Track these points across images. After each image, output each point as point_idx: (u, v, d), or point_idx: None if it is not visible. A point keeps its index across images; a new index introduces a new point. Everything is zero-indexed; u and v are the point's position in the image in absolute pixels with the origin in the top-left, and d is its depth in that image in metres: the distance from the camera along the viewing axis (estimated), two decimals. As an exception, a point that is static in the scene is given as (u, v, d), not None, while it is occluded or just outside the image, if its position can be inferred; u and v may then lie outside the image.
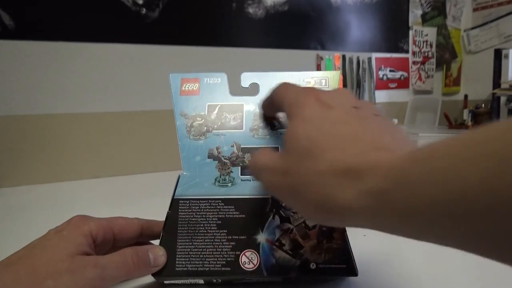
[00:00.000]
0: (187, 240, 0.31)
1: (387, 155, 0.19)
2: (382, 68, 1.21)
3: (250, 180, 0.34)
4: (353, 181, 0.19)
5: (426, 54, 1.29)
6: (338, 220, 0.21)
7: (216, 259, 0.30)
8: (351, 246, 0.31)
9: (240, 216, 0.32)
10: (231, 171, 0.34)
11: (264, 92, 0.36)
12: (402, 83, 1.26)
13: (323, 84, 0.36)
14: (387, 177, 0.18)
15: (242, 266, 0.30)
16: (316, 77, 0.37)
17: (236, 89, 0.37)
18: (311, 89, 0.26)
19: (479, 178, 0.14)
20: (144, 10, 0.85)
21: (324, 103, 0.24)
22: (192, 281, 0.31)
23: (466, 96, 1.28)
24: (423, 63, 1.29)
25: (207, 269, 0.30)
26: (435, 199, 0.15)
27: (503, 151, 0.13)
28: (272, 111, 0.32)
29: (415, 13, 1.25)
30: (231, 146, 0.35)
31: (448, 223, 0.15)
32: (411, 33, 1.25)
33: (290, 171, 0.22)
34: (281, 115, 0.34)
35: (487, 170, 0.14)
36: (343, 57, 1.13)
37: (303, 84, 0.36)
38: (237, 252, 0.30)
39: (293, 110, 0.25)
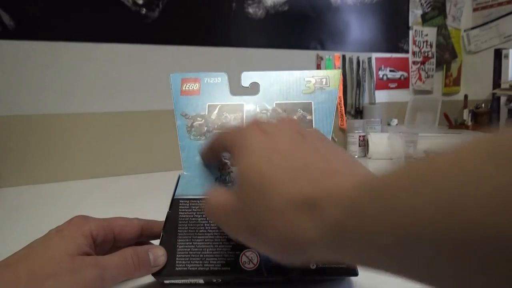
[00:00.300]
0: (187, 240, 0.31)
1: (341, 182, 0.19)
2: (382, 68, 1.21)
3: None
4: (311, 214, 0.18)
5: (426, 54, 1.29)
6: (303, 256, 0.20)
7: (216, 258, 0.30)
8: (351, 246, 0.31)
9: None
10: (231, 171, 0.34)
11: (264, 91, 0.36)
12: (402, 83, 1.26)
13: (324, 83, 0.36)
14: (343, 208, 0.17)
15: (242, 266, 0.30)
16: (317, 76, 0.36)
17: (237, 89, 0.37)
18: (252, 121, 0.25)
19: (428, 218, 0.13)
20: (144, 10, 0.85)
21: (267, 132, 0.23)
22: (192, 281, 0.31)
23: (466, 96, 1.28)
24: (423, 63, 1.29)
25: (207, 268, 0.30)
26: (388, 234, 0.15)
27: (451, 195, 0.13)
28: (214, 157, 0.31)
29: (415, 13, 1.25)
30: (231, 146, 0.35)
31: (402, 258, 0.15)
32: (411, 33, 1.25)
33: (246, 210, 0.21)
34: (225, 155, 0.33)
35: (435, 210, 0.13)
36: (343, 57, 1.13)
37: (303, 82, 0.36)
38: (237, 252, 0.30)
39: (237, 145, 0.24)
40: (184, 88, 0.37)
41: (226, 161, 0.34)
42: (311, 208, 0.18)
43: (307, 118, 0.35)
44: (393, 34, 1.22)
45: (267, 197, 0.20)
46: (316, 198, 0.19)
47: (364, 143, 1.07)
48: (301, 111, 0.36)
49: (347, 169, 0.20)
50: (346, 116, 1.14)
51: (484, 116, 1.14)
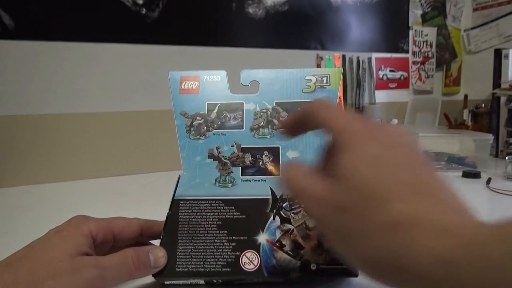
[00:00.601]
0: (188, 241, 0.31)
1: (458, 218, 0.18)
2: (382, 68, 1.21)
3: (250, 181, 0.34)
4: (420, 241, 0.17)
5: (426, 54, 1.29)
6: (392, 279, 0.19)
7: (216, 259, 0.30)
8: (352, 247, 0.31)
9: (240, 216, 0.32)
10: (232, 172, 0.34)
11: (264, 90, 0.36)
12: (402, 83, 1.26)
13: (325, 82, 0.36)
14: (461, 245, 0.16)
15: (243, 267, 0.30)
16: (317, 74, 0.36)
17: (236, 88, 0.37)
18: (367, 120, 0.23)
19: None
20: (144, 10, 0.85)
21: (384, 140, 0.22)
22: (193, 281, 0.31)
23: (466, 96, 1.28)
24: (423, 63, 1.29)
25: (207, 269, 0.30)
26: None
27: None
28: (299, 126, 0.27)
29: (415, 13, 1.25)
30: (231, 146, 0.35)
31: None
32: (411, 33, 1.25)
33: (346, 210, 0.20)
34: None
35: None
36: (343, 57, 1.13)
37: (304, 81, 0.36)
38: (238, 253, 0.30)
39: (347, 139, 0.22)
40: (183, 87, 0.36)
41: (226, 161, 0.34)
42: (421, 236, 0.17)
43: (308, 118, 0.35)
44: (393, 34, 1.22)
45: (372, 206, 0.19)
46: (428, 228, 0.18)
47: (364, 143, 1.06)
48: (302, 111, 0.36)
49: (459, 206, 0.20)
50: (346, 116, 1.14)
51: (484, 116, 1.13)
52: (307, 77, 0.36)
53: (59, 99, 0.79)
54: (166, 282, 0.32)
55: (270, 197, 0.33)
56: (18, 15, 0.74)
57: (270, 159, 0.34)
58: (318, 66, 1.08)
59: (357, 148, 0.21)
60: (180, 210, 0.32)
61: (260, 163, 0.34)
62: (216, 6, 0.93)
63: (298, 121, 0.26)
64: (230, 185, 0.33)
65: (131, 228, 0.32)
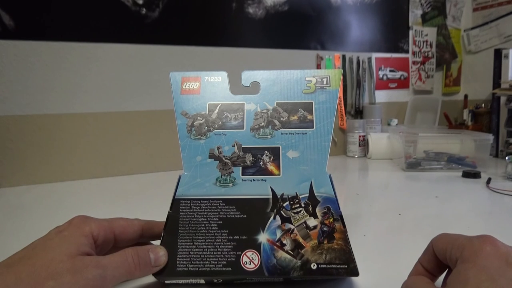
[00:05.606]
0: (188, 240, 0.31)
1: None
2: (382, 68, 1.21)
3: (251, 181, 0.34)
4: None
5: (426, 54, 1.29)
6: None
7: (217, 259, 0.30)
8: (352, 246, 0.31)
9: (241, 216, 0.32)
10: (232, 171, 0.34)
11: (265, 90, 0.36)
12: (402, 83, 1.26)
13: (325, 83, 0.36)
14: None
15: (243, 266, 0.30)
16: (317, 75, 0.36)
17: (237, 88, 0.37)
18: (488, 237, 0.25)
19: None
20: (144, 10, 0.85)
21: (503, 256, 0.23)
22: (193, 280, 0.31)
23: (466, 96, 1.28)
24: (423, 63, 1.29)
25: (208, 269, 0.30)
26: None
27: None
28: (438, 260, 0.28)
29: (415, 13, 1.25)
30: (232, 146, 0.35)
31: None
32: (411, 33, 1.25)
33: None
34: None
35: None
36: (343, 57, 1.13)
37: (304, 82, 0.36)
38: (238, 252, 0.30)
39: (466, 253, 0.23)
40: (184, 87, 0.37)
41: (227, 161, 0.34)
42: None
43: (308, 118, 0.36)
44: (393, 34, 1.22)
45: None
46: None
47: (364, 143, 1.06)
48: (302, 111, 0.36)
49: None
50: (346, 116, 1.14)
51: (484, 116, 1.14)
52: (307, 78, 0.36)
53: (59, 99, 0.79)
54: (167, 282, 0.32)
55: (270, 196, 0.33)
56: (18, 15, 0.74)
57: (271, 159, 0.34)
58: (318, 66, 1.08)
59: (472, 260, 0.23)
60: (180, 210, 0.32)
61: (261, 163, 0.34)
62: (216, 6, 0.93)
63: (434, 258, 0.28)
64: (230, 184, 0.33)
65: (132, 229, 0.32)
